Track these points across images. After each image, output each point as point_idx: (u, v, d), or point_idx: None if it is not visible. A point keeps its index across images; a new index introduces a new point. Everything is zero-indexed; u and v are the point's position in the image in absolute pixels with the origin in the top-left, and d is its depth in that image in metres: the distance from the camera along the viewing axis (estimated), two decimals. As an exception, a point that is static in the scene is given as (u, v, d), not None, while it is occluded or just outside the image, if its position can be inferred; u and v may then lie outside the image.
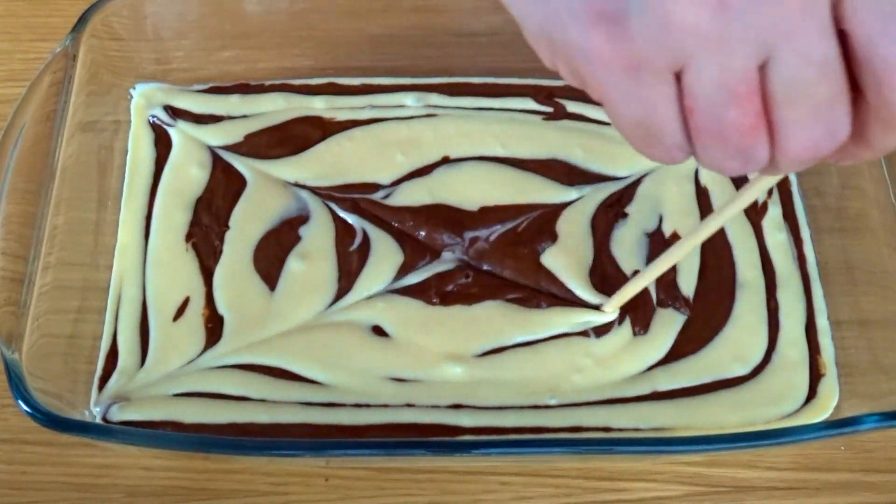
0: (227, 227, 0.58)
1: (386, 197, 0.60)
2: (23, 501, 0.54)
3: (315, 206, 0.59)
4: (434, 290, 0.56)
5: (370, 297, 0.56)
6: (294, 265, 0.57)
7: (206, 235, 0.58)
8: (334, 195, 0.60)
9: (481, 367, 0.54)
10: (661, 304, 0.56)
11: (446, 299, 0.56)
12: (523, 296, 0.56)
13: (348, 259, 0.57)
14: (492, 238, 0.58)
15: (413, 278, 0.57)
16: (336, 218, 0.59)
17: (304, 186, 0.60)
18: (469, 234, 0.59)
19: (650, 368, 0.54)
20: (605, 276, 0.57)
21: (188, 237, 0.58)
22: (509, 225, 0.59)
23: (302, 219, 0.59)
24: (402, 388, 0.53)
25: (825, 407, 0.53)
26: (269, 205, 0.59)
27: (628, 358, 0.54)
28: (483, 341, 0.55)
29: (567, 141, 0.62)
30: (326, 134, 0.62)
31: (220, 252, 0.57)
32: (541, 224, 0.59)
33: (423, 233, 0.58)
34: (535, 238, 0.58)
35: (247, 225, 0.58)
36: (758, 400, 0.53)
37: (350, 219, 0.59)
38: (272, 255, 0.57)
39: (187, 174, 0.60)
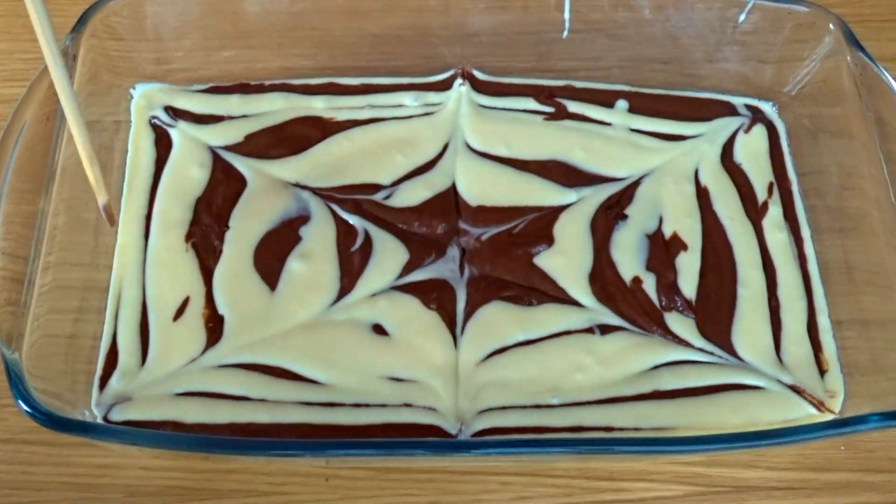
0: (227, 227, 0.58)
1: (387, 197, 0.60)
2: (23, 501, 0.54)
3: (316, 206, 0.59)
4: (435, 296, 0.56)
5: (373, 295, 0.56)
6: (295, 265, 0.57)
7: (205, 235, 0.58)
8: (336, 196, 0.60)
9: (483, 368, 0.54)
10: (666, 308, 0.56)
11: (444, 307, 0.56)
12: (517, 293, 0.56)
13: (350, 259, 0.57)
14: (483, 237, 0.58)
15: (419, 275, 0.57)
16: (337, 218, 0.59)
17: (304, 187, 0.60)
18: (464, 227, 0.59)
19: (655, 368, 0.54)
20: (605, 279, 0.57)
21: (188, 237, 0.58)
22: (504, 227, 0.59)
23: (303, 219, 0.59)
24: (402, 387, 0.53)
25: (832, 405, 0.53)
26: (270, 205, 0.59)
27: (630, 356, 0.54)
28: (484, 345, 0.55)
29: (568, 142, 0.62)
30: (326, 134, 0.62)
31: (220, 252, 0.57)
32: (537, 227, 0.59)
33: (424, 228, 0.58)
34: (531, 241, 0.58)
35: (247, 225, 0.58)
36: (763, 401, 0.53)
37: (352, 220, 0.59)
38: (272, 255, 0.57)
39: (187, 174, 0.60)
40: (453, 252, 0.58)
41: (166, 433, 0.51)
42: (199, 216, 0.58)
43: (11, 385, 0.46)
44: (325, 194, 0.60)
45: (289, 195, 0.60)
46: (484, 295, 0.56)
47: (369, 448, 0.48)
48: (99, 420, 0.51)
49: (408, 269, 0.57)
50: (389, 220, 0.59)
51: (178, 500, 0.54)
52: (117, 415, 0.52)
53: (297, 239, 0.58)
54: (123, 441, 0.48)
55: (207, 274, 0.57)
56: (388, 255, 0.57)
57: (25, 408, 0.46)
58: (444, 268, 0.57)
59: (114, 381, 0.53)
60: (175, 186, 0.59)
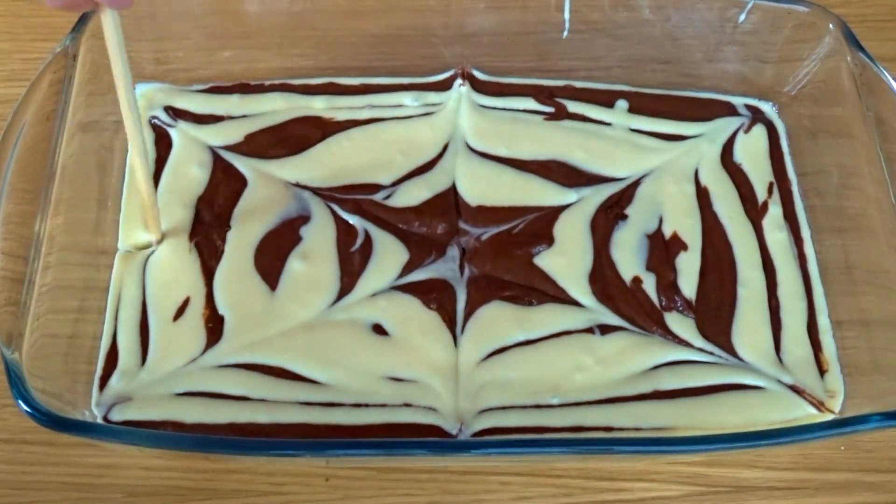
0: (228, 226, 0.58)
1: (387, 197, 0.60)
2: (23, 501, 0.54)
3: (316, 206, 0.59)
4: (435, 296, 0.56)
5: (373, 295, 0.56)
6: (295, 265, 0.57)
7: (208, 235, 0.58)
8: (336, 196, 0.60)
9: (483, 368, 0.54)
10: (666, 308, 0.56)
11: (444, 306, 0.56)
12: (517, 293, 0.56)
13: (350, 259, 0.57)
14: (483, 238, 0.58)
15: (419, 275, 0.57)
16: (337, 218, 0.59)
17: (305, 187, 0.60)
18: (464, 227, 0.59)
19: (655, 368, 0.54)
20: (605, 279, 0.57)
21: (191, 237, 0.58)
22: (504, 227, 0.59)
23: (303, 219, 0.59)
24: (402, 387, 0.53)
25: (832, 405, 0.53)
26: (270, 205, 0.59)
27: (630, 356, 0.54)
28: (484, 345, 0.55)
29: (568, 142, 0.62)
30: (326, 134, 0.62)
31: (222, 252, 0.57)
32: (537, 227, 0.59)
33: (424, 228, 0.58)
34: (531, 240, 0.58)
35: (248, 225, 0.58)
36: (763, 401, 0.53)
37: (352, 220, 0.59)
38: (273, 255, 0.57)
39: (188, 174, 0.60)
40: (453, 252, 0.58)
41: (166, 433, 0.51)
42: (201, 216, 0.58)
43: (11, 385, 0.46)
44: (325, 194, 0.60)
45: (289, 195, 0.60)
46: (484, 295, 0.56)
47: (369, 448, 0.48)
48: (99, 420, 0.51)
49: (408, 268, 0.57)
50: (389, 220, 0.59)
51: (178, 500, 0.54)
52: (117, 415, 0.52)
53: (298, 239, 0.58)
54: (123, 441, 0.48)
55: (209, 274, 0.57)
56: (389, 255, 0.57)
57: (25, 408, 0.46)
58: (444, 268, 0.57)
59: (114, 381, 0.53)
60: (175, 186, 0.59)
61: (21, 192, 0.52)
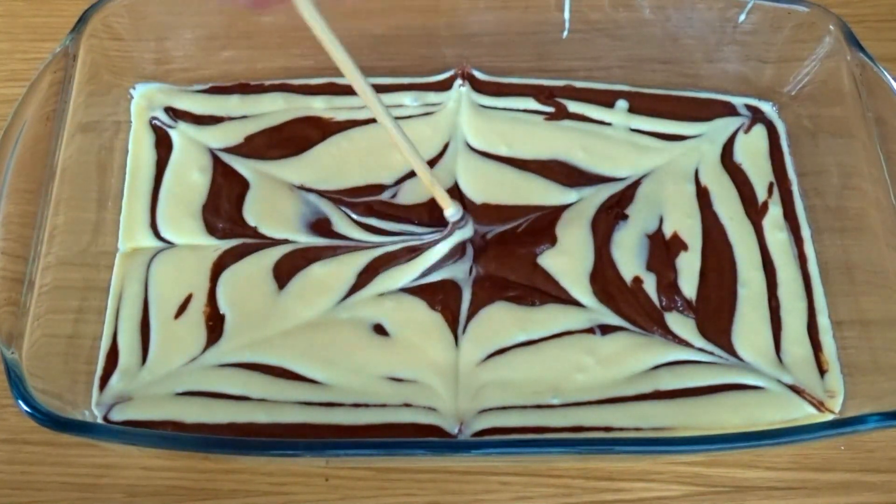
0: (249, 225, 0.58)
1: (394, 196, 0.60)
2: (23, 501, 0.54)
3: (327, 208, 0.59)
4: (440, 297, 0.56)
5: (380, 295, 0.56)
6: (317, 269, 0.57)
7: (231, 234, 0.58)
8: (344, 199, 0.60)
9: (483, 368, 0.54)
10: (666, 308, 0.56)
11: (448, 307, 0.56)
12: (520, 294, 0.56)
13: (376, 261, 0.57)
14: (488, 236, 0.58)
15: (435, 276, 0.57)
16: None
17: (310, 189, 0.60)
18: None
19: (655, 368, 0.54)
20: (606, 279, 0.57)
21: (219, 236, 0.58)
22: (508, 225, 0.59)
23: (326, 221, 0.59)
24: (402, 387, 0.53)
25: (832, 405, 0.53)
26: (285, 209, 0.59)
27: (630, 357, 0.54)
28: (485, 345, 0.55)
29: (568, 142, 0.62)
30: (325, 134, 0.62)
31: (257, 250, 0.57)
32: (540, 226, 0.59)
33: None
34: (535, 240, 0.58)
35: (277, 226, 0.58)
36: (763, 401, 0.53)
37: (368, 221, 0.59)
38: (297, 259, 0.57)
39: (189, 178, 0.60)
40: (470, 251, 0.58)
41: (166, 433, 0.51)
42: (212, 219, 0.58)
43: (11, 385, 0.46)
44: (332, 197, 0.60)
45: (296, 197, 0.59)
46: (489, 295, 0.56)
47: (369, 448, 0.48)
48: (99, 420, 0.51)
49: (430, 269, 0.57)
50: (403, 216, 0.59)
51: (178, 500, 0.54)
52: (117, 415, 0.52)
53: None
54: (123, 441, 0.48)
55: (217, 270, 0.56)
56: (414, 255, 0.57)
57: (25, 408, 0.46)
58: (457, 268, 0.57)
59: (114, 380, 0.53)
60: (177, 190, 0.59)
61: (21, 192, 0.52)
